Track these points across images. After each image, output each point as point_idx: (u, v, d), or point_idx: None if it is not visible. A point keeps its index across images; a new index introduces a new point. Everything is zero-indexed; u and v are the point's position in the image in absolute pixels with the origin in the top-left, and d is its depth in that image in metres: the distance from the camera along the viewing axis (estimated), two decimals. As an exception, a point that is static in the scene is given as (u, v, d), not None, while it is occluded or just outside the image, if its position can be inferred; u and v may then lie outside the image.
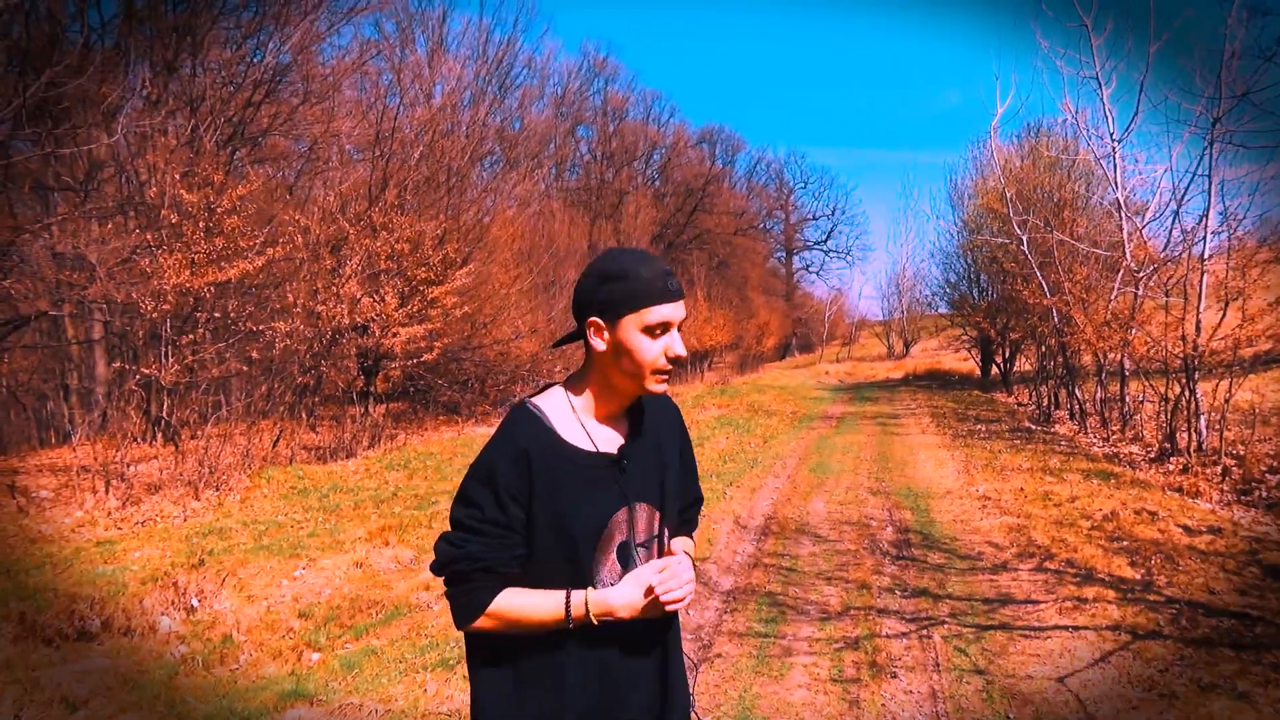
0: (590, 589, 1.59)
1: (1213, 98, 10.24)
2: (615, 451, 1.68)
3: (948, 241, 33.11)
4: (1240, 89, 9.81)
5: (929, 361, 37.57)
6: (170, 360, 9.60)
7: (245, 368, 10.68)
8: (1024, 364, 22.43)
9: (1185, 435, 10.38)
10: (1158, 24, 11.63)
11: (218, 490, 8.58)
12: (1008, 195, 15.84)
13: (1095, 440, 12.62)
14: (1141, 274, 12.01)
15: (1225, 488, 8.63)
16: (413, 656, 4.54)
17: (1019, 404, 19.47)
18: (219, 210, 9.69)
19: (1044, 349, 17.44)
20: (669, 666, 1.72)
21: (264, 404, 10.97)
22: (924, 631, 4.84)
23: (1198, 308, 10.44)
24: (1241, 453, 9.30)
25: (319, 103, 15.50)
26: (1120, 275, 12.72)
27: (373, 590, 5.76)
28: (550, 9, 68.83)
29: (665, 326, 1.59)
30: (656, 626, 1.68)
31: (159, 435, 9.84)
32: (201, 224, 9.57)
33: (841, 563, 6.40)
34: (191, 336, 9.84)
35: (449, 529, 1.62)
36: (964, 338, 27.79)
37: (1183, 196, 11.62)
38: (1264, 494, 8.17)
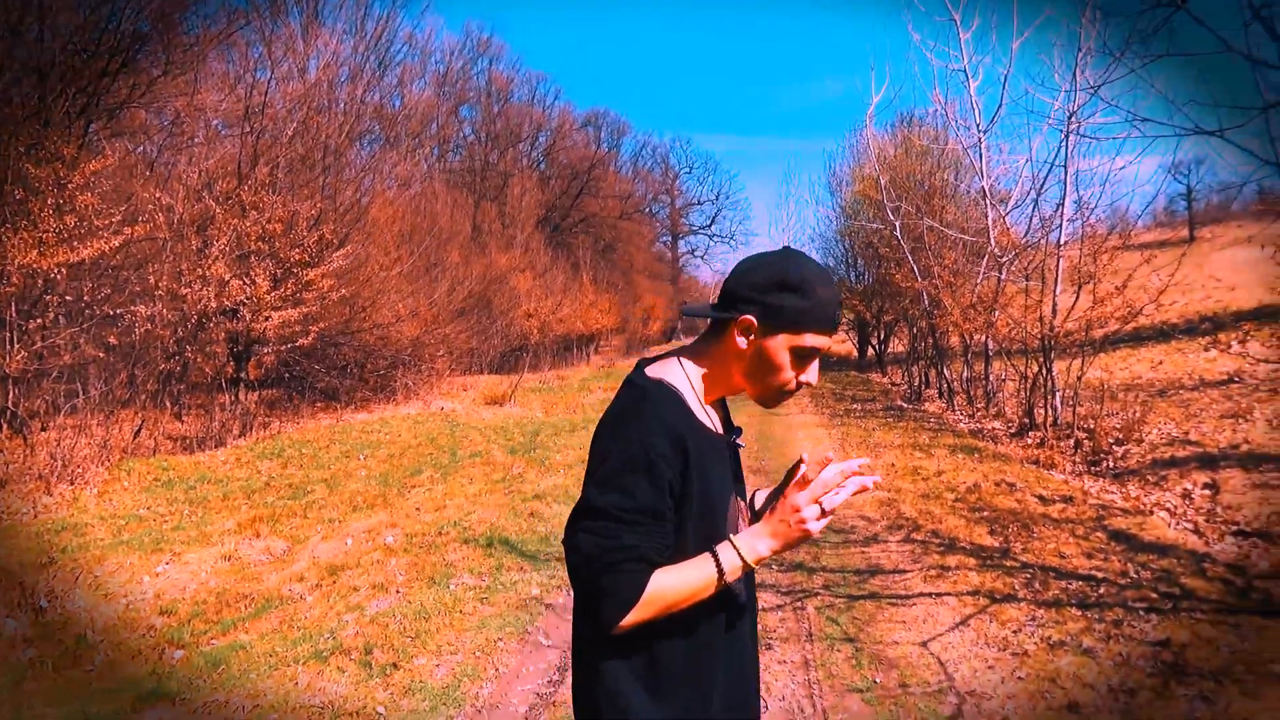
0: (731, 535, 1.47)
1: (1069, 93, 10.84)
2: (734, 437, 1.66)
3: (826, 227, 33.96)
4: (1093, 86, 10.40)
5: (809, 344, 38.47)
6: (16, 347, 8.95)
7: (103, 354, 10.04)
8: (897, 345, 23.35)
9: (1042, 411, 11.01)
10: (1020, 21, 12.23)
11: (72, 484, 8.07)
12: (882, 182, 16.38)
13: (962, 417, 13.24)
14: (1004, 259, 12.62)
15: (1077, 459, 9.21)
16: (284, 650, 4.39)
17: (893, 384, 20.25)
18: (70, 186, 9.06)
19: (916, 331, 18.16)
20: (757, 670, 1.72)
21: (124, 392, 10.36)
22: (798, 603, 4.99)
23: (1054, 291, 11.06)
24: (1092, 426, 9.92)
25: (182, 74, 14.64)
26: (985, 260, 13.34)
27: (242, 583, 5.54)
28: (431, -16, 67.11)
29: (815, 354, 1.51)
30: (751, 629, 1.66)
31: (4, 427, 9.18)
32: (51, 201, 8.94)
33: (722, 540, 6.53)
34: (40, 321, 9.19)
35: (584, 518, 1.44)
36: (842, 320, 28.67)
37: (1042, 186, 12.28)
38: (1111, 464, 8.75)
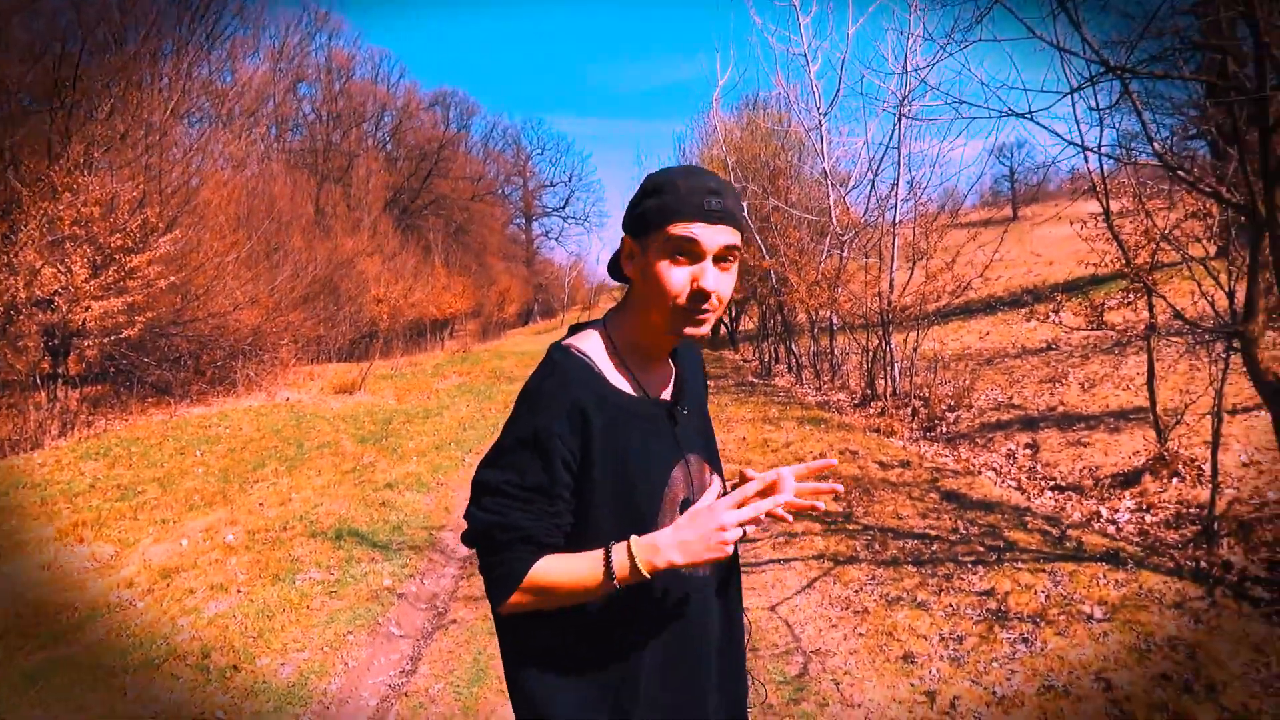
0: (633, 536, 1.33)
1: (901, 78, 11.35)
2: (665, 398, 1.50)
3: (678, 208, 34.36)
4: (923, 73, 10.94)
5: (664, 323, 38.94)
6: None
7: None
8: (748, 323, 23.96)
9: (883, 382, 11.56)
10: (855, 8, 12.72)
11: None
12: (729, 163, 16.73)
13: (809, 390, 13.74)
14: (846, 238, 13.13)
15: (914, 426, 9.73)
16: (111, 660, 4.11)
17: (744, 360, 20.80)
18: None
19: (765, 308, 18.68)
20: (739, 654, 1.56)
21: (-79, 393, 9.44)
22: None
23: (890, 267, 11.61)
24: (927, 395, 10.48)
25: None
26: (828, 239, 13.85)
27: (63, 593, 5.15)
28: (263, -46, 63.64)
29: (693, 249, 1.34)
30: (721, 608, 1.51)
31: None
32: None
33: (578, 520, 6.55)
34: None
35: (479, 493, 1.37)
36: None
37: (878, 167, 12.83)
38: (944, 430, 9.29)
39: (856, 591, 4.57)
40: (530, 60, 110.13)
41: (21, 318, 10.40)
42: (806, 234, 15.23)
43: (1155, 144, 4.24)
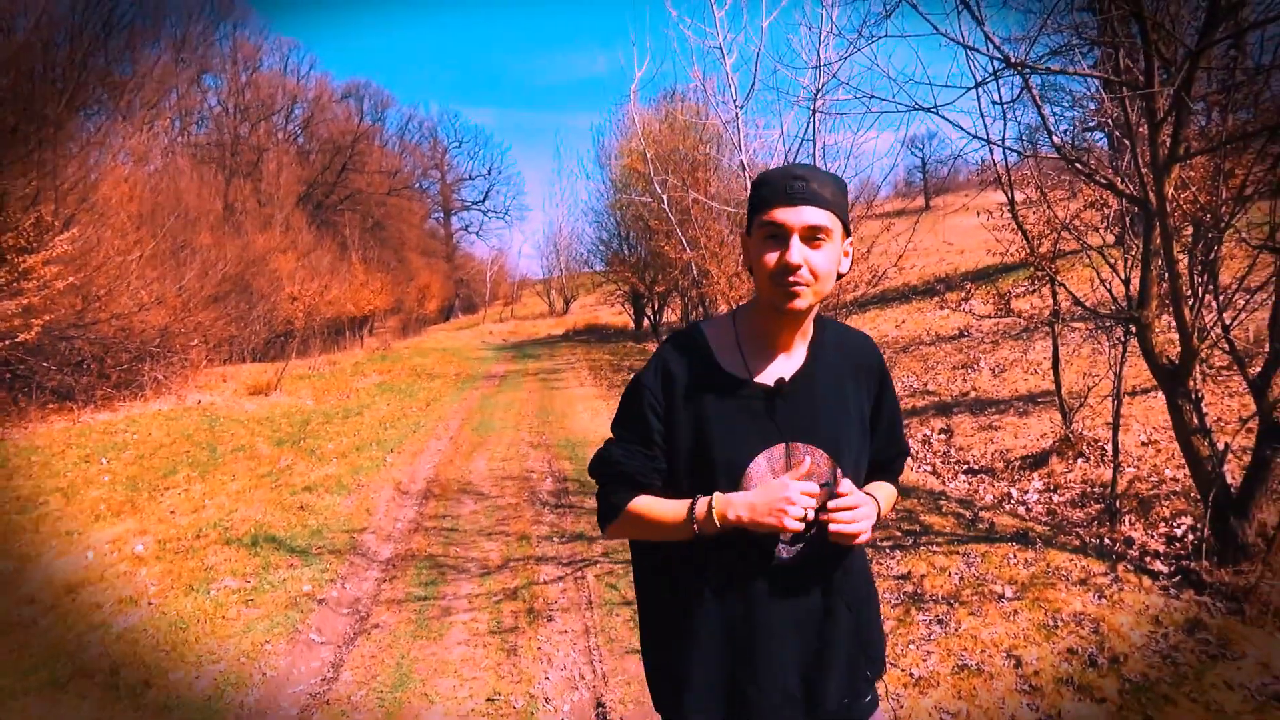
0: (718, 493, 1.50)
1: (815, 71, 11.51)
2: (772, 382, 1.56)
3: (598, 200, 34.36)
4: (834, 68, 11.11)
5: (588, 317, 39.02)
6: None
7: None
8: (671, 315, 24.08)
9: (803, 371, 11.74)
10: (769, 2, 12.82)
11: None
12: (648, 156, 16.75)
13: (731, 381, 13.89)
14: (763, 229, 13.26)
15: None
16: (11, 682, 3.92)
17: (668, 352, 20.89)
18: None
19: (687, 300, 18.80)
20: (827, 649, 1.57)
21: None
22: (578, 573, 5.06)
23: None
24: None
25: None
26: (747, 230, 13.96)
27: (-44, 613, 4.89)
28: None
29: (780, 231, 1.46)
30: (810, 600, 1.56)
31: None
32: None
33: (502, 517, 6.50)
34: None
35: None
36: (618, 293, 29.15)
37: (794, 160, 13.00)
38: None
39: (779, 580, 4.64)
40: (446, 52, 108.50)
41: (-95, 323, 9.83)
42: (726, 226, 15.35)
43: (1055, 137, 4.39)
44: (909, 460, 7.37)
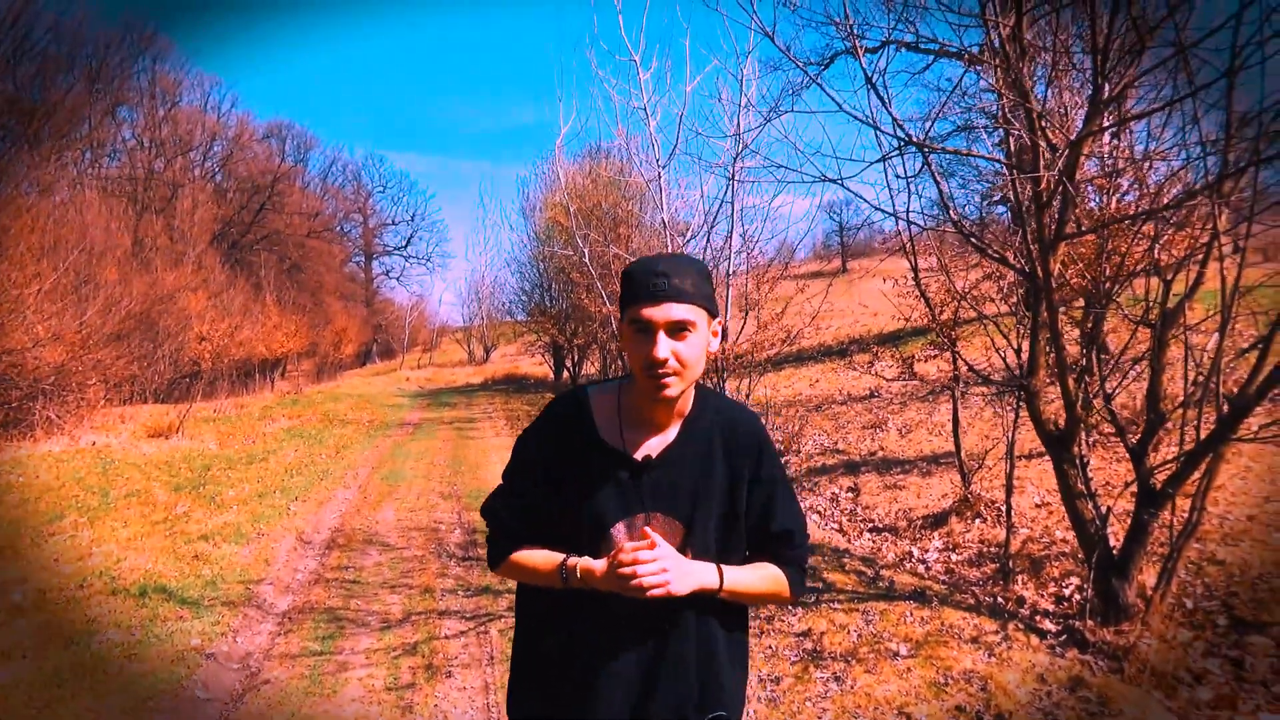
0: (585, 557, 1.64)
1: (735, 138, 11.86)
2: (640, 458, 1.66)
3: (521, 251, 34.34)
4: (749, 137, 11.49)
5: (508, 366, 38.77)
6: None
7: None
8: (590, 367, 24.14)
9: (717, 427, 11.88)
10: (694, 67, 13.24)
11: None
12: (571, 210, 16.92)
13: (647, 435, 13.95)
14: (683, 286, 13.46)
15: (746, 471, 10.03)
16: None
17: (586, 405, 20.89)
18: None
19: (606, 353, 18.90)
20: (651, 693, 1.65)
21: None
22: (481, 628, 4.99)
23: (725, 316, 12.02)
24: (758, 440, 10.84)
25: None
26: (667, 287, 14.15)
27: None
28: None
29: (647, 326, 1.55)
30: (643, 629, 1.65)
31: None
32: None
33: (407, 569, 6.38)
34: None
35: None
36: (538, 343, 29.11)
37: (713, 220, 13.31)
38: (774, 474, 9.64)
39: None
40: (371, 95, 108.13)
41: None
42: (646, 282, 15.52)
43: (952, 211, 4.62)
44: (817, 518, 7.51)
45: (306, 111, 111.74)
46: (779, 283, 12.10)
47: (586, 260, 16.32)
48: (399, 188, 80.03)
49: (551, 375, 29.48)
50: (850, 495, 8.37)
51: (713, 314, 1.64)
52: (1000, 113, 4.30)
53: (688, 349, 1.57)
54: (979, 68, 4.89)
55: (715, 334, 1.67)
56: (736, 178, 11.79)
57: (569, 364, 26.33)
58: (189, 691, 4.23)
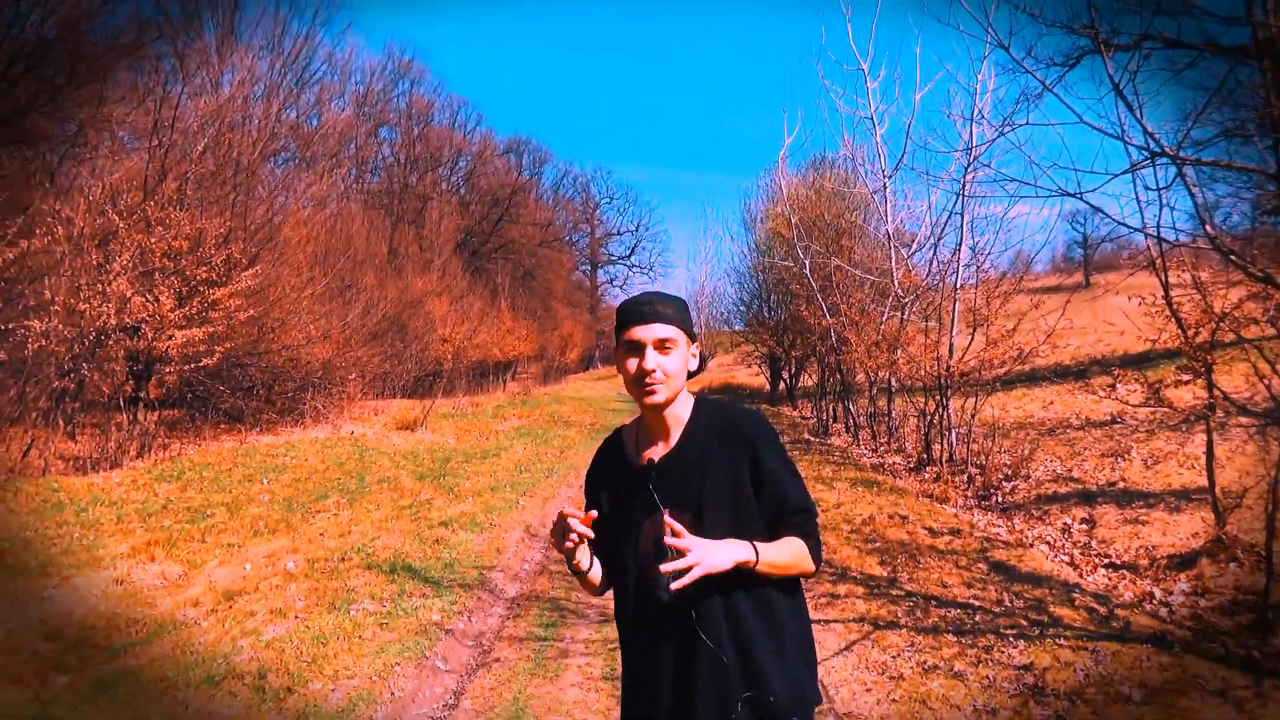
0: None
1: (965, 150, 11.42)
2: (650, 461, 1.95)
3: (741, 262, 34.47)
4: (979, 150, 11.03)
5: (724, 376, 39.04)
6: (-102, 360, 8.57)
7: (-9, 369, 9.67)
8: (807, 380, 23.88)
9: (939, 447, 11.47)
10: (923, 75, 12.87)
11: (-48, 505, 7.74)
12: (793, 221, 16.90)
13: (865, 451, 13.66)
14: (906, 300, 13.14)
15: (969, 494, 9.63)
16: (175, 675, 4.34)
17: (802, 417, 20.73)
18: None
19: (824, 366, 18.67)
20: (691, 686, 1.83)
21: (14, 410, 9.98)
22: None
23: (950, 331, 11.59)
24: (984, 462, 10.38)
25: (88, 84, 14.27)
26: (889, 300, 13.85)
27: (134, 608, 5.42)
28: (353, 5, 66.20)
29: (637, 345, 1.88)
30: (675, 634, 1.86)
31: (-119, 443, 8.75)
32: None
33: (624, 568, 6.65)
34: (-75, 334, 8.82)
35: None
36: (755, 354, 29.14)
37: (941, 232, 12.87)
38: (999, 499, 9.19)
39: (894, 657, 4.59)
40: (602, 112, 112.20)
41: (110, 342, 10.97)
42: (868, 294, 15.24)
43: (1208, 226, 4.28)
44: (1046, 548, 7.10)
45: (542, 127, 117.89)
46: (1011, 297, 11.50)
47: (808, 271, 16.26)
48: (624, 199, 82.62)
49: (768, 386, 29.40)
50: (1084, 527, 7.83)
51: (691, 338, 1.96)
52: (1270, 115, 3.94)
53: (671, 362, 1.89)
54: (1248, 65, 4.49)
55: (694, 355, 1.98)
56: (966, 191, 11.38)
57: (785, 375, 26.17)
58: (430, 662, 4.66)
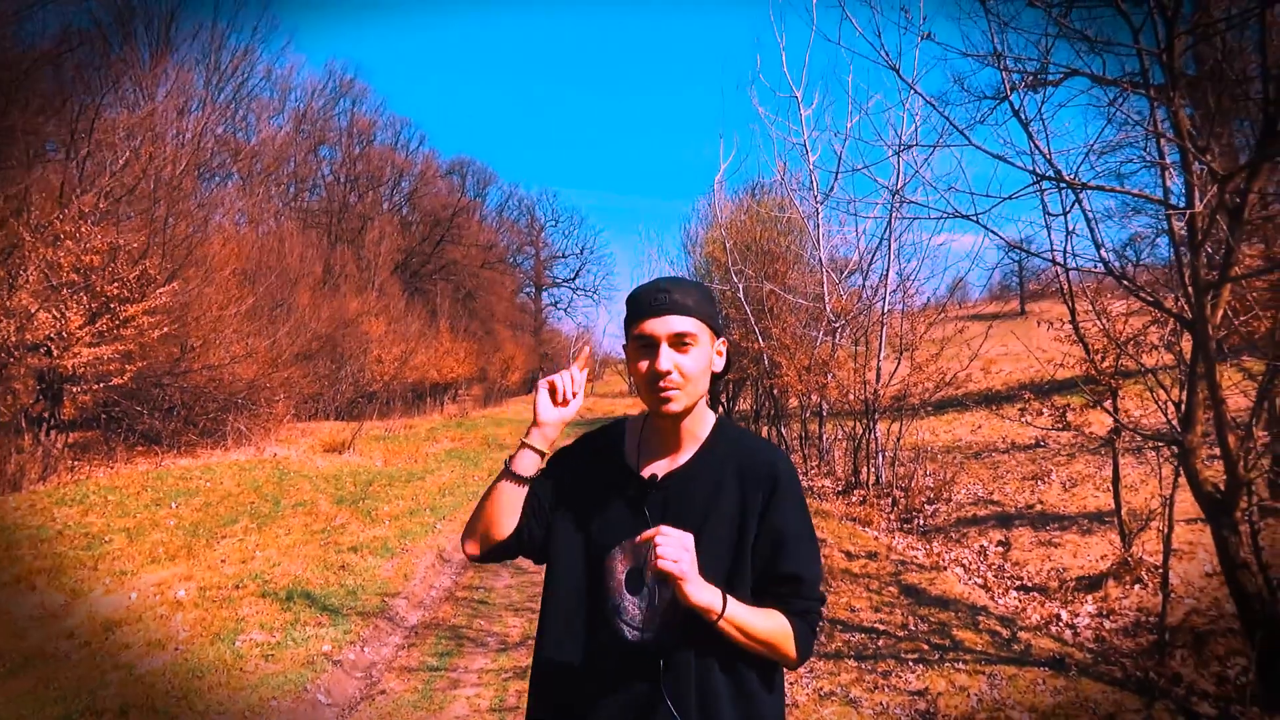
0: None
1: (896, 172, 11.56)
2: (649, 476, 1.67)
3: (682, 285, 34.47)
4: (916, 167, 11.16)
5: (665, 399, 38.74)
6: None
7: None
8: (743, 404, 23.95)
9: (866, 471, 11.51)
10: (854, 104, 13.06)
11: None
12: (728, 246, 16.95)
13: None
14: (838, 325, 13.22)
15: (892, 517, 9.65)
16: (30, 712, 4.07)
17: (738, 441, 20.72)
18: None
19: (758, 390, 18.72)
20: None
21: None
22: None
23: (878, 356, 11.67)
24: (908, 485, 10.42)
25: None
26: (823, 325, 13.93)
27: (2, 640, 5.11)
28: (293, 23, 65.62)
29: (650, 341, 1.59)
30: (639, 672, 1.56)
31: None
32: None
33: (535, 593, 6.48)
34: None
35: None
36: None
37: (871, 258, 13.00)
38: (920, 522, 9.22)
39: (790, 684, 4.50)
40: (547, 136, 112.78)
41: (12, 361, 10.51)
42: (801, 320, 15.31)
43: (1101, 250, 4.32)
44: (960, 571, 7.11)
45: (485, 148, 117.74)
46: (940, 323, 11.64)
47: (741, 295, 16.30)
48: (569, 222, 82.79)
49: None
50: (999, 549, 7.88)
51: (716, 332, 1.65)
52: (1152, 143, 4.00)
53: (690, 362, 1.58)
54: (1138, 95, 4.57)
55: (720, 353, 1.68)
56: (894, 216, 11.51)
57: (722, 399, 26.23)
58: (311, 695, 4.45)
